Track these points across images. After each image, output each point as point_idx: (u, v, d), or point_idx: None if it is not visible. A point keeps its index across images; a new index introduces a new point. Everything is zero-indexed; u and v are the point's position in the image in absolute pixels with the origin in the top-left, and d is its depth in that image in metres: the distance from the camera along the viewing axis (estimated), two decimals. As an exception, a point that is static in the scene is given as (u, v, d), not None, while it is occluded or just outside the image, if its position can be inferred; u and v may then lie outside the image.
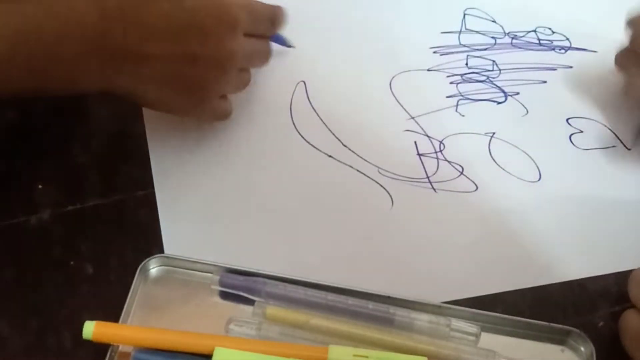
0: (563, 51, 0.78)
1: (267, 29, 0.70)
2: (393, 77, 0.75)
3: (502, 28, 0.80)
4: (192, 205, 0.65)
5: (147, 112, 0.69)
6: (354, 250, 0.63)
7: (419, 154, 0.69)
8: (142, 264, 0.59)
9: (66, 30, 0.57)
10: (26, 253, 0.61)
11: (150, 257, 0.59)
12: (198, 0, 0.61)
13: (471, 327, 0.57)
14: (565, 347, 0.58)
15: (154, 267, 0.60)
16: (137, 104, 0.67)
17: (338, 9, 0.80)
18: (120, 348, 0.56)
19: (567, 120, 0.73)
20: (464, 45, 0.78)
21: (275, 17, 0.70)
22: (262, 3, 0.68)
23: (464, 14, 0.81)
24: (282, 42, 0.74)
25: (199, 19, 0.61)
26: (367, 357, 0.54)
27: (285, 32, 0.73)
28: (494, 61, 0.77)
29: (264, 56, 0.71)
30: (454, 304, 0.59)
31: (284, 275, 0.59)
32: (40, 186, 0.64)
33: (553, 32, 0.80)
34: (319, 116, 0.71)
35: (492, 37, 0.79)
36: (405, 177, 0.68)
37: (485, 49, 0.78)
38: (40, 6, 0.56)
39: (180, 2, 0.61)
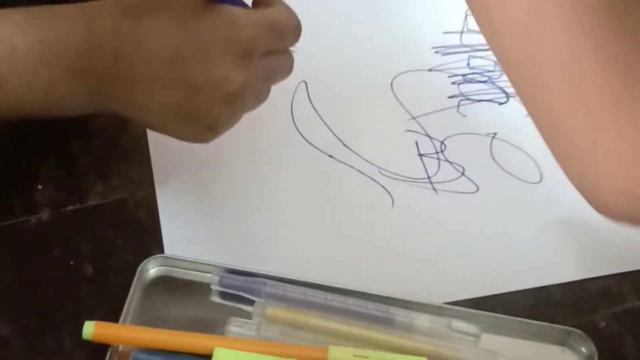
0: (565, 52, 0.78)
1: (292, 41, 0.62)
2: (394, 77, 0.75)
3: (504, 28, 0.80)
4: (192, 205, 0.65)
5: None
6: (354, 250, 0.63)
7: (420, 154, 0.69)
8: (142, 264, 0.59)
9: (45, 54, 0.52)
10: (26, 253, 0.61)
11: (150, 257, 0.59)
12: (206, 19, 0.55)
13: (471, 328, 0.57)
14: (566, 348, 0.58)
15: (154, 267, 0.60)
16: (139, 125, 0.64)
17: (339, 9, 0.80)
18: (120, 348, 0.56)
19: (568, 120, 0.72)
20: (466, 46, 0.78)
21: (299, 26, 0.61)
22: (287, 11, 0.61)
23: (466, 14, 0.80)
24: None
25: (202, 43, 0.55)
26: (367, 357, 0.54)
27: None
28: (495, 62, 0.77)
29: (287, 70, 0.63)
30: (454, 305, 0.59)
31: (284, 275, 0.59)
32: (40, 186, 0.64)
33: (555, 33, 0.80)
34: (320, 116, 0.71)
35: (494, 38, 0.79)
36: (406, 177, 0.68)
37: (487, 50, 0.78)
38: (18, 27, 0.52)
39: (183, 22, 0.54)
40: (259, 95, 0.61)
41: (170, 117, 0.57)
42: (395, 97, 0.73)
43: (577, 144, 0.46)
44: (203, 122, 0.58)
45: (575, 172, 0.47)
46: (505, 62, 0.49)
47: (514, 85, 0.49)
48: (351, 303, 0.58)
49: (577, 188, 0.47)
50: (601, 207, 0.47)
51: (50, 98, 0.55)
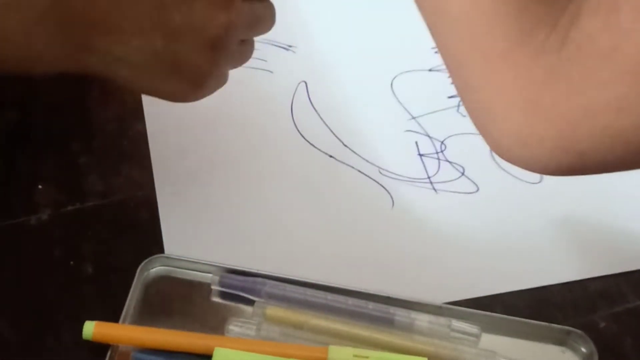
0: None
1: None
2: (394, 77, 0.75)
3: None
4: (192, 205, 0.65)
5: (148, 112, 0.69)
6: (354, 250, 0.63)
7: (420, 154, 0.69)
8: (142, 264, 0.59)
9: (17, 4, 0.48)
10: (26, 253, 0.61)
11: (150, 257, 0.59)
12: None
13: (471, 328, 0.57)
14: (565, 348, 0.58)
15: (154, 267, 0.60)
16: (122, 87, 0.58)
17: (339, 9, 0.80)
18: (120, 348, 0.56)
19: (568, 120, 0.72)
20: (466, 46, 0.78)
21: None
22: None
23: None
24: None
25: None
26: (367, 357, 0.54)
27: (287, 32, 0.73)
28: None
29: (269, 21, 0.60)
30: (454, 305, 0.59)
31: (284, 275, 0.59)
32: (40, 186, 0.64)
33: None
34: (320, 116, 0.71)
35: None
36: (406, 177, 0.68)
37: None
38: None
39: None
40: (244, 47, 0.59)
41: (150, 69, 0.54)
42: (395, 97, 0.73)
43: (477, 89, 0.47)
44: (185, 73, 0.55)
45: (476, 115, 0.48)
46: (423, 12, 0.49)
47: (432, 37, 0.50)
48: (351, 303, 0.58)
49: (478, 130, 0.48)
50: (498, 151, 0.47)
51: (26, 51, 0.51)
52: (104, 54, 0.52)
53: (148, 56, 0.53)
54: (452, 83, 0.49)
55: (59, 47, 0.51)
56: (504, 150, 0.47)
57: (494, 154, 0.69)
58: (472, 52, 0.46)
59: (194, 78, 0.55)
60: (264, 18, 0.60)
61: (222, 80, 0.59)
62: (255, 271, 0.59)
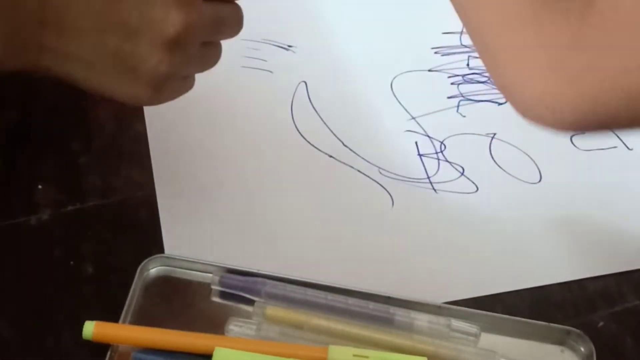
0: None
1: None
2: (394, 78, 0.75)
3: (504, 29, 0.80)
4: (192, 205, 0.65)
5: (147, 112, 0.69)
6: (354, 250, 0.63)
7: (419, 155, 0.69)
8: (142, 264, 0.59)
9: None
10: (26, 253, 0.61)
11: (150, 257, 0.59)
12: None
13: (471, 327, 0.57)
14: (565, 347, 0.58)
15: (154, 267, 0.60)
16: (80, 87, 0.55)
17: (339, 9, 0.80)
18: (120, 348, 0.56)
19: (568, 121, 0.72)
20: (465, 46, 0.78)
21: None
22: None
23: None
24: None
25: None
26: (367, 357, 0.54)
27: (287, 32, 0.73)
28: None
29: (235, 23, 0.58)
30: (454, 304, 0.59)
31: (284, 275, 0.59)
32: (40, 186, 0.64)
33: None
34: (319, 116, 0.71)
35: (494, 38, 0.79)
36: (406, 177, 0.68)
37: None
38: None
39: None
40: (209, 50, 0.57)
41: (104, 68, 0.52)
42: (395, 97, 0.73)
43: (504, 59, 0.48)
44: (141, 74, 0.53)
45: (505, 85, 0.49)
46: None
47: (455, 10, 0.51)
48: (351, 303, 0.58)
49: (507, 99, 0.49)
50: (523, 112, 0.49)
51: None
52: (56, 53, 0.51)
53: (103, 55, 0.51)
54: (483, 63, 0.50)
55: (7, 46, 0.50)
56: (529, 111, 0.48)
57: (493, 154, 0.70)
58: (501, 28, 0.47)
59: (151, 79, 0.53)
60: (230, 20, 0.57)
61: (185, 85, 0.58)
62: (255, 271, 0.59)
